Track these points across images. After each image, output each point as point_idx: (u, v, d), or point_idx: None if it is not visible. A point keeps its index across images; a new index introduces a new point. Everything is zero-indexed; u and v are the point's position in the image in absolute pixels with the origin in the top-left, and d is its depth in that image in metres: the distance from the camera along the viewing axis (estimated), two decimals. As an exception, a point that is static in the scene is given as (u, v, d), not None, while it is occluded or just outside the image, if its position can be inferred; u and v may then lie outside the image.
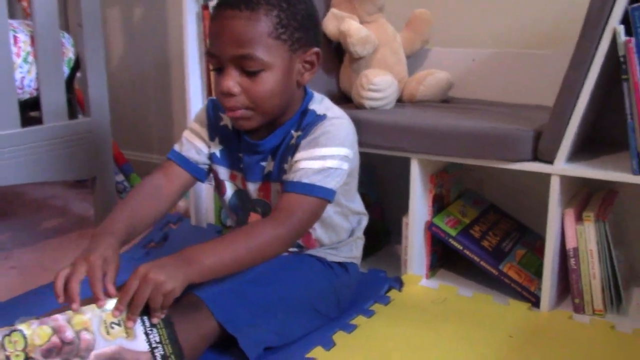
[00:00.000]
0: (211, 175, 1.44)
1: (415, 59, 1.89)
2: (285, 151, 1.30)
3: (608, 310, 1.48)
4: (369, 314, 1.48)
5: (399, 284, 1.62)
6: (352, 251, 1.46)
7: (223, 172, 1.40)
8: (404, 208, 1.65)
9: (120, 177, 2.41)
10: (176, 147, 1.39)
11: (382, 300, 1.54)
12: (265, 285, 1.29)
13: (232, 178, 1.40)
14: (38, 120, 1.92)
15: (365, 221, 1.50)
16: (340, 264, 1.43)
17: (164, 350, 1.06)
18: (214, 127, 1.39)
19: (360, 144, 1.41)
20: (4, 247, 1.94)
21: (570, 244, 1.47)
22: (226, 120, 1.37)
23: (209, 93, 1.95)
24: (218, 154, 1.38)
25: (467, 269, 1.67)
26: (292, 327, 1.32)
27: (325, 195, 1.24)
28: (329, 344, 1.34)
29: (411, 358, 1.30)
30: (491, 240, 1.65)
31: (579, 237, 1.46)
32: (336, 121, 1.28)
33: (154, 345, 1.06)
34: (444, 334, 1.40)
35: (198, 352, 1.19)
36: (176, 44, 2.52)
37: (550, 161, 1.42)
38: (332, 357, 1.29)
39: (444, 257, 1.74)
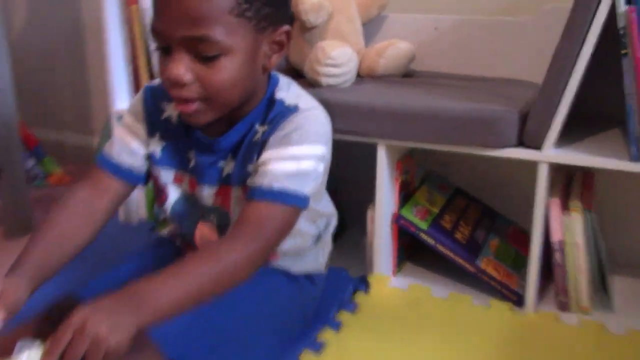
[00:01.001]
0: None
1: (371, 27, 1.68)
2: (249, 149, 1.07)
3: (595, 307, 1.35)
4: (337, 326, 1.29)
5: (364, 285, 1.44)
6: (318, 259, 1.27)
7: (165, 175, 1.16)
8: (361, 195, 1.46)
9: (31, 163, 2.11)
10: (106, 149, 1.14)
11: (349, 307, 1.36)
12: (223, 308, 1.08)
13: (177, 180, 1.16)
14: None
15: (334, 222, 1.29)
16: (305, 275, 1.23)
17: None
18: (154, 120, 1.13)
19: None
20: None
21: (555, 237, 1.33)
22: (170, 111, 1.12)
23: (135, 65, 1.68)
24: (159, 153, 1.14)
25: (437, 262, 1.50)
26: (257, 352, 1.11)
27: (299, 203, 1.02)
28: (296, 372, 1.15)
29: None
30: (464, 231, 1.49)
31: (565, 230, 1.32)
32: (310, 114, 1.06)
33: None
34: (423, 345, 1.23)
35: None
36: (91, 9, 2.20)
37: (537, 147, 1.26)
38: (302, 388, 1.11)
39: (409, 250, 1.57)
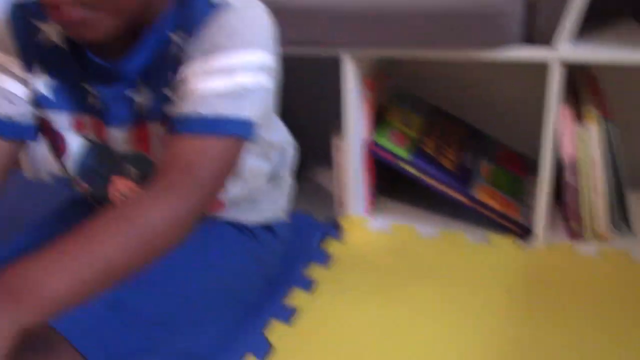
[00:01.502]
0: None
1: None
2: (164, 68, 0.76)
3: (612, 233, 1.13)
4: (307, 284, 1.03)
5: (336, 230, 1.18)
6: (278, 203, 0.99)
7: (60, 120, 0.85)
8: (324, 122, 1.19)
9: None
10: None
11: (320, 259, 1.10)
12: (154, 284, 0.80)
13: (78, 126, 0.85)
14: None
15: (290, 154, 1.02)
16: (263, 225, 0.96)
17: None
18: (28, 46, 0.81)
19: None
20: None
21: (567, 152, 1.09)
22: (49, 31, 0.81)
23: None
24: (45, 91, 0.82)
25: (420, 196, 1.25)
26: (206, 339, 0.85)
27: (242, 132, 0.73)
28: (262, 349, 0.89)
29: (387, 349, 0.88)
30: (449, 156, 1.23)
31: (578, 143, 1.08)
32: (245, 13, 0.75)
33: None
34: (415, 297, 0.99)
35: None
36: None
37: (548, 42, 1.00)
38: (273, 372, 0.85)
39: (384, 184, 1.31)
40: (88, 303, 0.69)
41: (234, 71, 0.72)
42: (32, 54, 0.81)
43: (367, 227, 1.20)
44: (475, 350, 0.87)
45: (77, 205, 0.98)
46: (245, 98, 0.73)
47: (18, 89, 0.82)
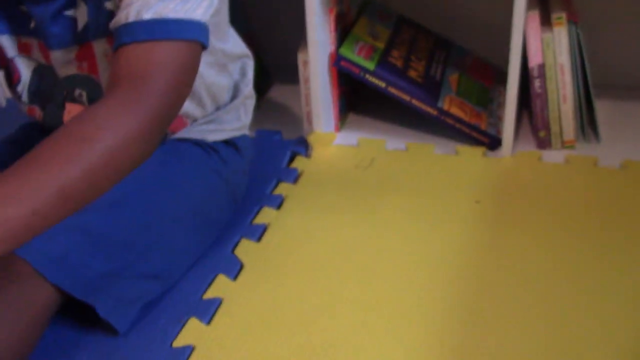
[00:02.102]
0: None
1: None
2: None
3: (580, 140, 1.13)
4: (276, 202, 1.02)
5: (304, 147, 1.17)
6: (241, 118, 0.96)
7: (7, 45, 0.80)
8: (285, 37, 1.15)
9: None
10: None
11: (288, 177, 1.09)
12: (119, 205, 0.78)
13: (24, 50, 0.81)
14: None
15: (250, 66, 0.98)
16: (226, 142, 0.94)
17: None
18: None
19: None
20: None
21: (534, 60, 1.07)
22: None
23: None
24: None
25: (387, 110, 1.23)
26: (174, 260, 0.84)
27: (193, 34, 0.69)
28: (233, 267, 0.88)
29: (356, 262, 0.89)
30: (417, 67, 1.20)
31: (545, 49, 1.06)
32: None
33: None
34: (386, 209, 0.99)
35: (31, 341, 0.70)
36: None
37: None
38: (244, 289, 0.85)
39: (349, 99, 1.29)
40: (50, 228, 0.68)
41: None
42: None
43: (335, 142, 1.18)
44: (444, 259, 0.88)
45: (34, 130, 0.95)
46: None
47: None
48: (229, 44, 0.91)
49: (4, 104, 1.39)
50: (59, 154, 0.60)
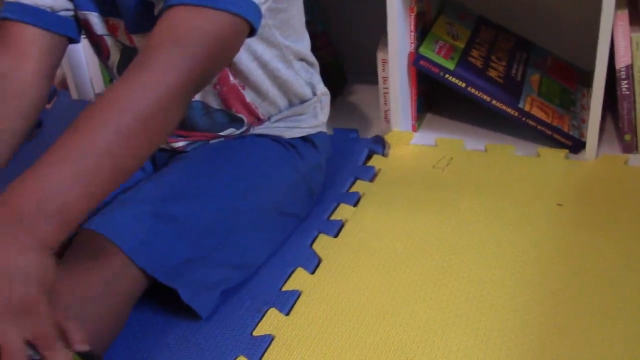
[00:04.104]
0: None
1: None
2: None
3: (669, 144, 1.09)
4: (353, 199, 1.03)
5: (381, 146, 1.17)
6: (317, 116, 0.98)
7: (96, 23, 0.84)
8: (362, 37, 1.15)
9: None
10: None
11: (365, 175, 1.09)
12: (203, 196, 0.81)
13: (112, 30, 0.85)
14: None
15: (315, 70, 0.99)
16: (303, 138, 0.95)
17: None
18: None
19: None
20: None
21: (622, 61, 1.04)
22: None
23: None
24: None
25: (466, 111, 1.22)
26: (254, 250, 0.86)
27: (239, 9, 0.68)
28: (311, 262, 0.90)
29: (432, 260, 0.88)
30: (497, 67, 1.19)
31: (634, 50, 1.03)
32: None
33: None
34: (463, 209, 0.98)
35: (119, 323, 0.73)
36: None
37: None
38: (321, 282, 0.86)
39: (428, 99, 1.28)
40: (136, 213, 0.70)
41: None
42: None
43: (413, 142, 1.18)
44: (522, 260, 0.87)
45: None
46: None
47: None
48: (299, 44, 0.92)
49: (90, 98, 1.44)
50: (100, 124, 0.60)
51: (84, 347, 0.55)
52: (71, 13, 0.82)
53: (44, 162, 0.57)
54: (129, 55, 0.85)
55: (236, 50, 0.73)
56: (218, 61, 0.70)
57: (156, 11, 0.78)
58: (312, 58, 0.96)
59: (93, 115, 0.60)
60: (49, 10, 0.80)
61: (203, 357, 0.75)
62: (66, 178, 0.56)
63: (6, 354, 0.50)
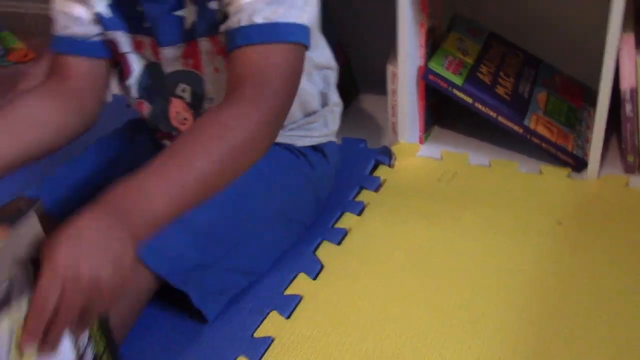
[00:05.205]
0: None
1: None
2: None
3: (671, 166, 1.11)
4: (357, 208, 1.06)
5: (388, 157, 1.19)
6: (328, 125, 1.00)
7: (122, 41, 0.88)
8: (372, 50, 1.20)
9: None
10: (55, 30, 0.87)
11: (370, 185, 1.12)
12: (212, 206, 0.83)
13: (138, 47, 0.88)
14: None
15: (333, 78, 1.01)
16: (314, 147, 0.98)
17: (93, 350, 0.62)
18: None
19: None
20: None
21: (627, 83, 1.06)
22: None
23: None
24: (106, 12, 0.85)
25: (472, 126, 1.25)
26: (261, 256, 0.89)
27: (298, 37, 0.75)
28: (314, 267, 0.92)
29: (433, 270, 0.91)
30: (505, 84, 1.21)
31: (639, 73, 1.05)
32: None
33: (81, 350, 0.61)
34: (465, 223, 1.01)
35: (130, 322, 0.76)
36: None
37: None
38: (323, 288, 0.88)
39: (435, 113, 1.30)
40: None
41: None
42: None
43: (419, 154, 1.20)
44: (522, 273, 0.89)
45: (137, 126, 1.02)
46: (294, 4, 0.74)
47: (83, 12, 0.85)
48: (316, 53, 0.95)
49: (109, 99, 1.48)
50: (199, 150, 0.66)
51: None
52: (100, 38, 0.87)
53: (147, 171, 0.64)
54: (153, 70, 0.89)
55: (302, 74, 0.78)
56: (294, 90, 0.76)
57: (186, 25, 0.82)
58: (331, 63, 0.99)
59: (194, 141, 0.67)
60: (83, 39, 0.86)
61: (205, 356, 0.78)
62: (161, 190, 0.63)
63: (37, 308, 0.54)
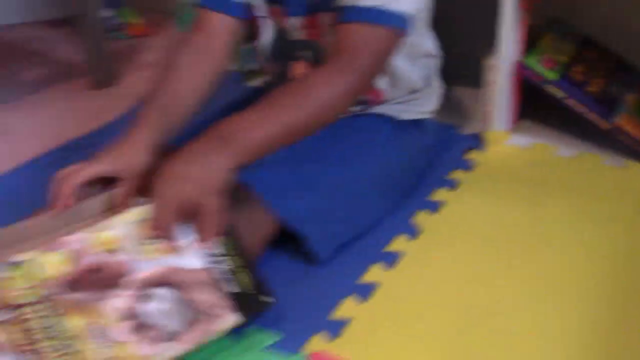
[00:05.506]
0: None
1: None
2: None
3: None
4: (452, 184, 1.16)
5: (480, 142, 1.29)
6: (428, 104, 1.13)
7: (259, 8, 1.03)
8: (466, 42, 1.33)
9: (109, 13, 1.99)
10: None
11: (464, 166, 1.22)
12: (327, 162, 0.97)
13: (272, 14, 1.02)
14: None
15: (436, 65, 1.14)
16: (415, 122, 1.10)
17: (228, 263, 0.76)
18: None
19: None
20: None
21: None
22: None
23: None
24: None
25: (559, 120, 1.33)
26: (365, 213, 1.01)
27: (399, 24, 0.89)
28: (413, 231, 1.03)
29: (520, 243, 1.00)
30: (596, 84, 1.29)
31: None
32: None
33: (213, 260, 0.75)
34: (551, 207, 1.09)
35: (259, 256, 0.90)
36: None
37: None
38: (422, 247, 1.00)
39: (527, 107, 1.39)
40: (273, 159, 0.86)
41: None
42: None
43: (509, 142, 1.30)
44: (609, 267, 0.94)
45: (251, 96, 1.16)
46: None
47: None
48: (423, 41, 1.07)
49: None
50: (287, 101, 0.83)
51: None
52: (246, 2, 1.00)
53: (250, 111, 0.81)
54: (281, 34, 1.03)
55: (392, 56, 0.93)
56: (379, 69, 0.92)
57: (337, 1, 0.94)
58: (435, 51, 1.11)
59: (291, 94, 0.84)
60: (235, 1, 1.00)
61: (319, 291, 0.90)
62: (259, 125, 0.80)
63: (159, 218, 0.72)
